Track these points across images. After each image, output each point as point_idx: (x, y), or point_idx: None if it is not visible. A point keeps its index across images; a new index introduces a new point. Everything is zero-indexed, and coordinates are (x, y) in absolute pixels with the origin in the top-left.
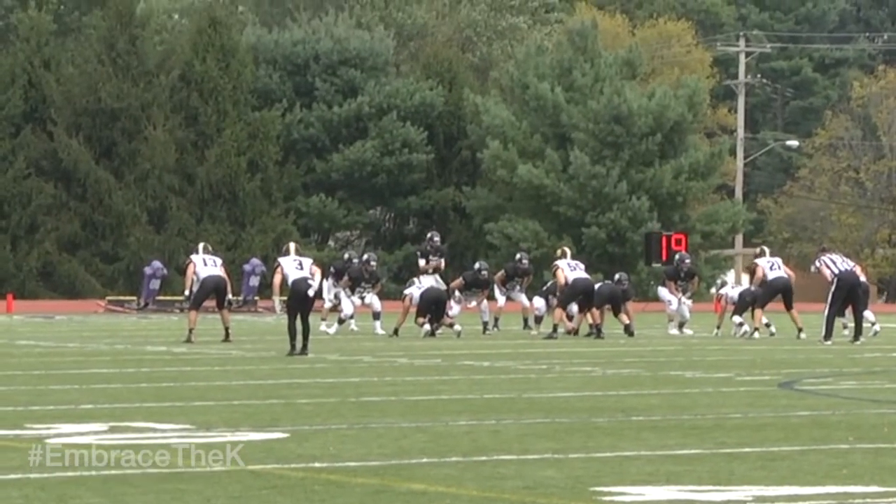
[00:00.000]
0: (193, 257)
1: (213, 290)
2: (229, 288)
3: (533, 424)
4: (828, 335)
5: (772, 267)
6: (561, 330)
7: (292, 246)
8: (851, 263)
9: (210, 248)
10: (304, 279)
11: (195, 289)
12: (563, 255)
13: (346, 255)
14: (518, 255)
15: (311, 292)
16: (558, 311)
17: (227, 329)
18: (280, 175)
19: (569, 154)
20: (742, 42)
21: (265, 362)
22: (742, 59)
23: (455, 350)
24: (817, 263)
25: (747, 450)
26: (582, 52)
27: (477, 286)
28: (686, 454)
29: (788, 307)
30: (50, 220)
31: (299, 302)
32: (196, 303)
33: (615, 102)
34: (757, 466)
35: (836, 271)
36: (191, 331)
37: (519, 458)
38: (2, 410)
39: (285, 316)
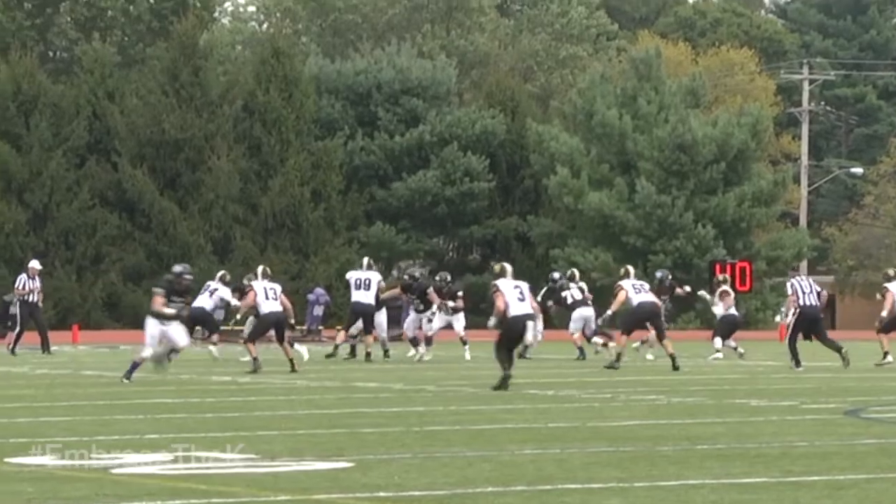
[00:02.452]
0: (255, 285)
1: (272, 326)
2: (290, 319)
3: (598, 453)
4: (797, 362)
5: (637, 291)
6: (617, 356)
7: (508, 268)
8: (818, 289)
9: (269, 272)
10: (527, 317)
11: (253, 320)
12: (627, 275)
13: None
14: (439, 276)
15: (529, 336)
16: (623, 338)
17: (291, 361)
18: (343, 204)
19: (634, 182)
20: (806, 69)
21: (329, 392)
22: (806, 86)
23: (519, 379)
24: (788, 288)
25: (813, 478)
26: (646, 80)
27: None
28: (751, 483)
29: (660, 337)
30: (115, 250)
31: (517, 339)
32: (253, 337)
33: (680, 131)
34: (823, 495)
35: (801, 304)
36: (255, 359)
37: (584, 487)
38: (68, 440)
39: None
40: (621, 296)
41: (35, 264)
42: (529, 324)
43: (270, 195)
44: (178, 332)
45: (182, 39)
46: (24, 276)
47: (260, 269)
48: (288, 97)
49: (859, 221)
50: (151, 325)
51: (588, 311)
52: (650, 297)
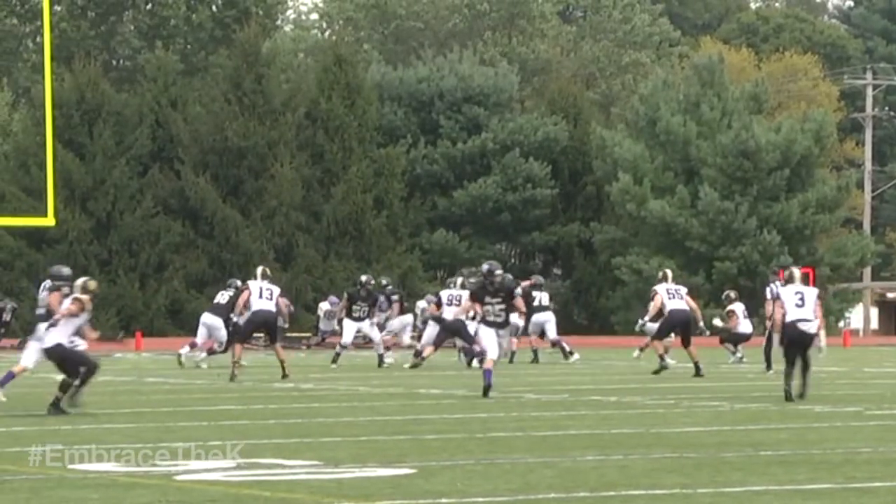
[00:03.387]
0: (251, 284)
1: (261, 326)
2: (282, 321)
3: (661, 459)
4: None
5: (671, 296)
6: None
7: (797, 273)
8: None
9: (269, 273)
10: (801, 322)
11: (243, 321)
12: (665, 279)
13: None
14: (386, 280)
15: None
16: (658, 343)
17: (282, 364)
18: (405, 211)
19: (697, 189)
20: (869, 75)
21: (392, 398)
22: (869, 91)
23: (582, 385)
24: (767, 293)
25: (877, 484)
26: (709, 87)
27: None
28: (815, 489)
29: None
30: (178, 258)
31: (795, 346)
32: (242, 336)
33: (743, 137)
34: (888, 501)
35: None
36: (234, 363)
37: (647, 493)
38: (131, 447)
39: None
40: (657, 300)
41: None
42: (804, 330)
43: (333, 202)
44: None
45: (244, 47)
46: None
47: (259, 269)
48: (350, 105)
49: None
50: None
51: (544, 317)
52: (682, 305)
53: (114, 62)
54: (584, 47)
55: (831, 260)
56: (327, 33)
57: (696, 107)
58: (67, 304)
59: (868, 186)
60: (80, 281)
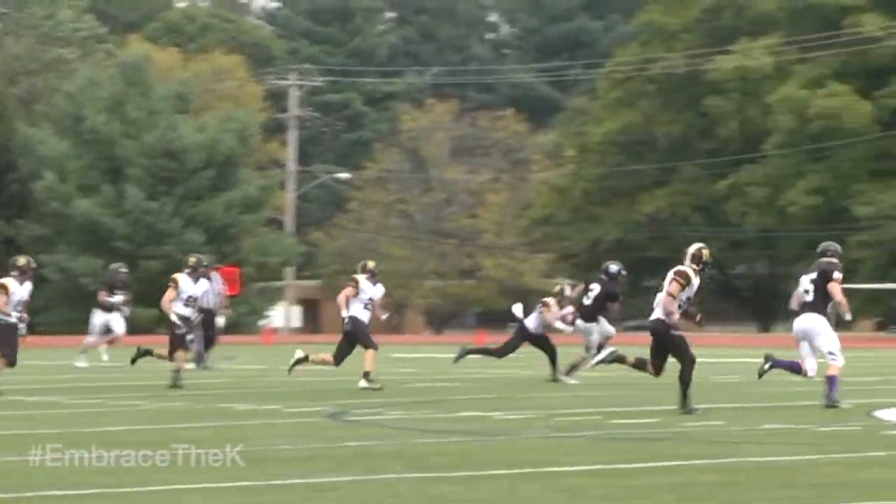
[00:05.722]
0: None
1: None
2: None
3: (90, 458)
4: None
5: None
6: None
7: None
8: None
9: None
10: None
11: None
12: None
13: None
14: None
15: None
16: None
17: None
18: None
19: (124, 188)
20: (293, 76)
21: None
22: (293, 92)
23: (4, 385)
24: None
25: (297, 481)
26: (136, 86)
27: None
28: (237, 486)
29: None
30: None
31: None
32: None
33: (168, 137)
34: (306, 497)
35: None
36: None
37: (70, 494)
38: None
39: None
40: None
41: None
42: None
43: None
44: None
45: None
46: None
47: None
48: None
49: (345, 226)
50: None
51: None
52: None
53: None
54: (7, 43)
55: (256, 259)
56: None
57: (121, 105)
58: None
59: (292, 186)
60: None
